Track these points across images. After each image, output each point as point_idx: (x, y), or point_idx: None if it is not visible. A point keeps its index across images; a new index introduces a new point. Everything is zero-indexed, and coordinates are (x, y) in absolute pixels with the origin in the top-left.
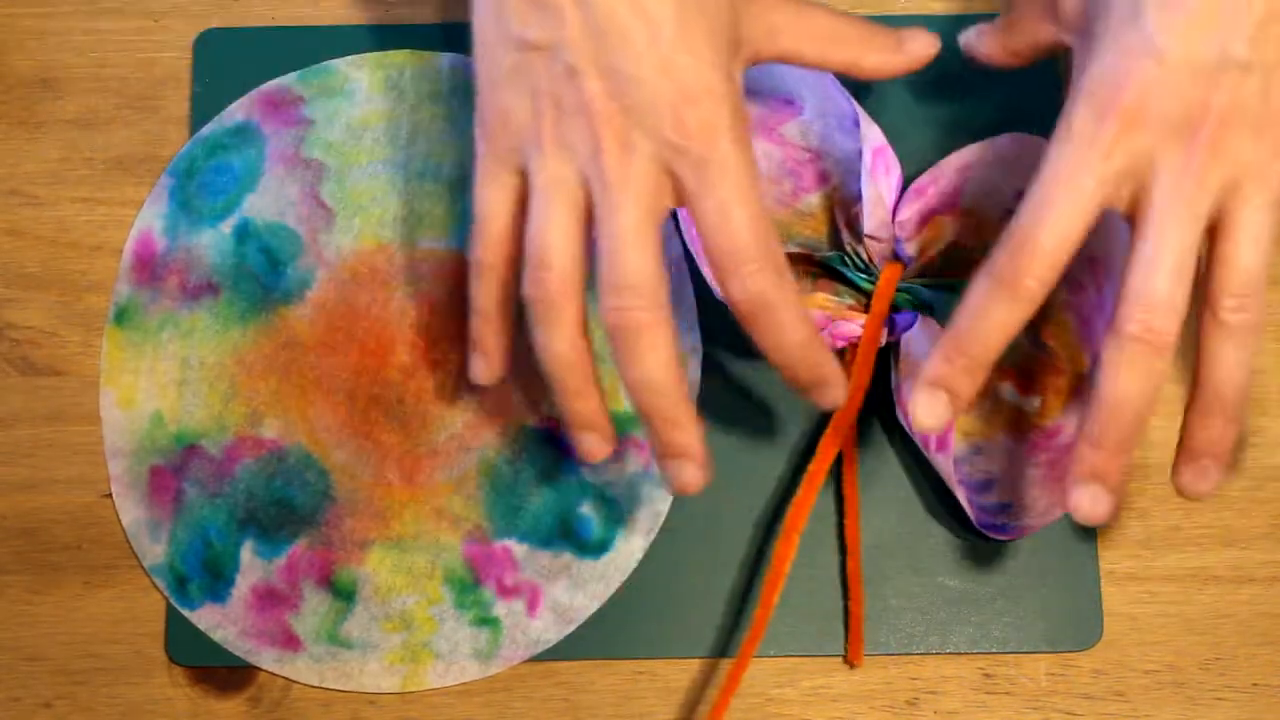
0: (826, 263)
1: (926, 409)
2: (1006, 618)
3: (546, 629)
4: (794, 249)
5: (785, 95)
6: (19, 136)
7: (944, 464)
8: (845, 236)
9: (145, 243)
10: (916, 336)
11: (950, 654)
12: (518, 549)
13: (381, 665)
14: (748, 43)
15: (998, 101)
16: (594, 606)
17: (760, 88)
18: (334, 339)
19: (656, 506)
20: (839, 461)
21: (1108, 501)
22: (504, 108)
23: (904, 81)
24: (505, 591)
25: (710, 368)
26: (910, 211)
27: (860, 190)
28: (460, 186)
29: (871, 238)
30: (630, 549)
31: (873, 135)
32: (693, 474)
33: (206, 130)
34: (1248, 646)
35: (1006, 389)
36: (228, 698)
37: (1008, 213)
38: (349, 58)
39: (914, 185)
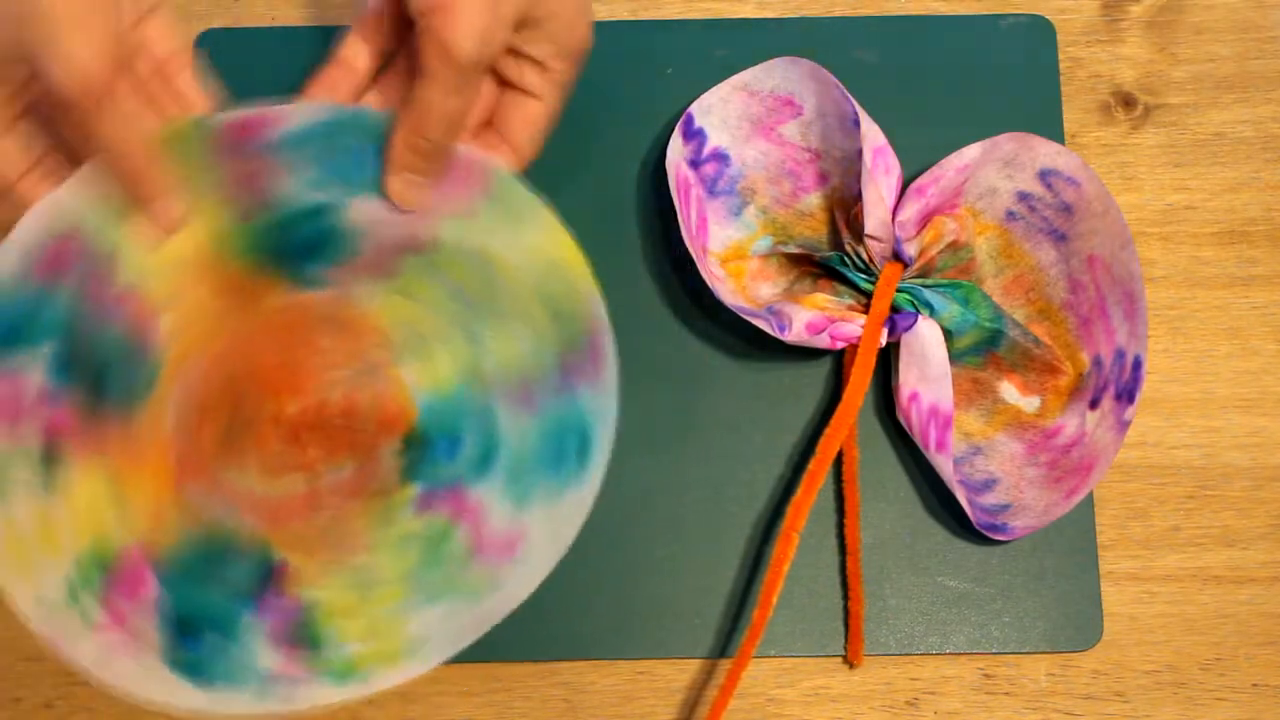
0: (826, 263)
1: (404, 194)
2: (1006, 618)
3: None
4: (794, 249)
5: (785, 95)
6: None
7: (944, 464)
8: (845, 236)
9: None
10: (917, 336)
11: (950, 654)
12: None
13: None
14: None
15: (998, 101)
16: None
17: (760, 88)
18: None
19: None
20: (839, 461)
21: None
22: None
23: (904, 81)
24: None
25: (711, 369)
26: (910, 211)
27: (860, 190)
28: None
29: (871, 238)
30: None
31: (873, 135)
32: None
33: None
34: (1248, 647)
35: (1006, 389)
36: None
37: (1008, 213)
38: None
39: (914, 185)
